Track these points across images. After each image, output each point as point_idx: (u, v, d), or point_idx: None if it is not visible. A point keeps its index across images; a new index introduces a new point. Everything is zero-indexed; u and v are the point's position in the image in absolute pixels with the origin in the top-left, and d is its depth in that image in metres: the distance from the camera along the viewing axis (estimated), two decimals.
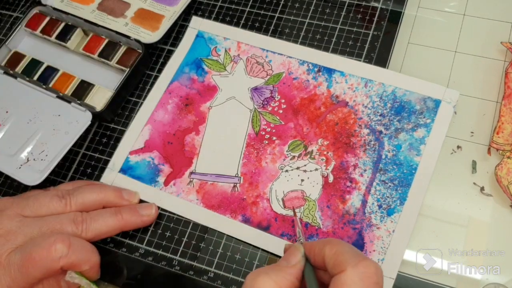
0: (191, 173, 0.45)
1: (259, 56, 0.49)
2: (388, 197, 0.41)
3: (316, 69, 0.47)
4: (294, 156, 0.44)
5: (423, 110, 0.44)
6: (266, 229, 0.42)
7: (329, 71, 0.47)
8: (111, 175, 0.46)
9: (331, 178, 0.43)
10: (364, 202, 0.41)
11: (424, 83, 0.44)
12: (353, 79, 0.46)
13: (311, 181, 0.43)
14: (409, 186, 0.41)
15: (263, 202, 0.43)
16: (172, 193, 0.44)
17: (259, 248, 0.41)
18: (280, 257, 0.41)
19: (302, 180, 0.43)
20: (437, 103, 0.44)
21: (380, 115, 0.44)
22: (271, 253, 0.41)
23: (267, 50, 0.49)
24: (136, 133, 0.48)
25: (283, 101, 0.47)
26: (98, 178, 0.47)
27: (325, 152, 0.44)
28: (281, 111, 0.46)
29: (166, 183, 0.45)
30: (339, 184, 0.42)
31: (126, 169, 0.46)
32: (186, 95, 0.49)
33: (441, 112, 0.43)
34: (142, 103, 0.49)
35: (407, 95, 0.44)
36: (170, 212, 0.44)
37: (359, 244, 0.40)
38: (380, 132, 0.44)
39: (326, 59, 0.48)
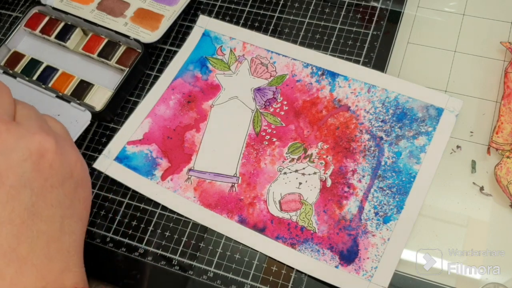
0: (190, 170, 0.45)
1: (264, 57, 0.49)
2: (385, 204, 0.41)
3: (320, 73, 0.47)
4: (293, 159, 0.44)
5: (425, 118, 0.43)
6: (261, 230, 0.42)
7: (333, 75, 0.47)
8: (106, 162, 0.46)
9: (329, 183, 0.43)
10: (361, 209, 0.41)
11: (427, 91, 0.44)
12: (357, 83, 0.46)
13: (309, 184, 0.43)
14: (406, 195, 0.41)
15: (260, 203, 0.43)
16: (169, 188, 0.44)
17: None
18: (274, 260, 0.41)
19: (300, 183, 0.43)
20: (439, 111, 0.43)
21: (381, 121, 0.44)
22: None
23: (272, 52, 0.49)
24: (135, 125, 0.48)
25: (285, 102, 0.47)
26: (98, 177, 0.47)
27: (324, 156, 0.44)
28: (282, 113, 0.46)
29: (163, 177, 0.45)
30: (337, 189, 0.42)
31: (122, 158, 0.46)
32: (189, 92, 0.49)
33: (443, 121, 0.43)
34: (143, 98, 0.49)
35: (409, 102, 0.44)
36: (169, 212, 0.44)
37: (354, 250, 0.40)
38: (381, 138, 0.44)
39: (330, 62, 0.48)
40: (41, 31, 0.53)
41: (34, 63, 0.52)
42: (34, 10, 0.55)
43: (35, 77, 0.51)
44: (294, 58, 0.49)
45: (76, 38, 0.53)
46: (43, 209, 0.33)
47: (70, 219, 0.35)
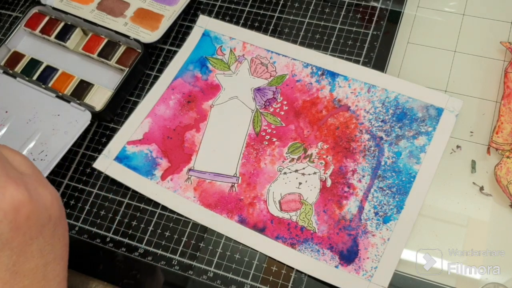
0: (190, 170, 0.45)
1: (263, 57, 0.49)
2: (385, 204, 0.41)
3: (320, 73, 0.47)
4: (293, 159, 0.44)
5: (425, 118, 0.43)
6: (261, 230, 0.42)
7: (333, 75, 0.47)
8: (106, 161, 0.46)
9: (329, 183, 0.43)
10: (360, 209, 0.41)
11: (427, 91, 0.44)
12: (356, 83, 0.46)
13: (309, 184, 0.43)
14: (406, 194, 0.41)
15: (260, 203, 0.43)
16: (169, 188, 0.44)
17: None
18: (274, 260, 0.41)
19: (300, 183, 0.43)
20: (439, 111, 0.43)
21: (381, 121, 0.44)
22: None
23: (272, 52, 0.49)
24: (135, 125, 0.48)
25: (285, 102, 0.47)
26: (98, 177, 0.47)
27: (324, 156, 0.44)
28: (282, 113, 0.46)
29: (163, 177, 0.45)
30: (337, 189, 0.42)
31: (122, 158, 0.46)
32: (189, 92, 0.49)
33: (443, 121, 0.43)
34: (143, 98, 0.49)
35: (409, 102, 0.44)
36: (169, 212, 0.44)
37: (354, 250, 0.40)
38: (381, 138, 0.43)
39: (330, 62, 0.48)
40: (41, 31, 0.53)
41: (34, 63, 0.52)
42: (34, 10, 0.55)
43: (35, 77, 0.51)
44: (294, 58, 0.49)
45: (76, 38, 0.53)
46: (24, 264, 0.31)
47: (53, 263, 0.33)
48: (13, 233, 0.30)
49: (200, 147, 0.46)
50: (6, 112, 0.49)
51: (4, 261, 0.30)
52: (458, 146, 0.43)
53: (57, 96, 0.49)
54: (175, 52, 0.52)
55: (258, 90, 0.48)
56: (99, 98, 0.49)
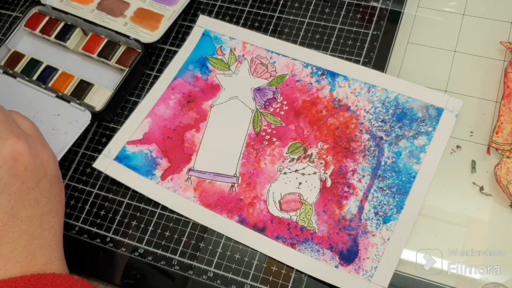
0: (190, 170, 0.45)
1: (263, 57, 0.49)
2: (385, 204, 0.41)
3: (320, 72, 0.47)
4: (293, 159, 0.44)
5: (425, 118, 0.43)
6: (261, 230, 0.42)
7: (333, 75, 0.47)
8: (106, 161, 0.46)
9: (329, 183, 0.43)
10: (360, 209, 0.41)
11: (427, 91, 0.44)
12: (356, 83, 0.46)
13: (309, 184, 0.43)
14: (406, 194, 0.41)
15: (260, 203, 0.43)
16: (169, 188, 0.44)
17: None
18: (274, 260, 0.41)
19: (300, 183, 0.43)
20: (439, 111, 0.43)
21: (381, 121, 0.44)
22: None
23: (272, 52, 0.49)
24: (135, 125, 0.48)
25: (285, 102, 0.47)
26: (98, 177, 0.47)
27: (324, 156, 0.44)
28: (282, 113, 0.46)
29: (163, 177, 0.45)
30: (337, 189, 0.42)
31: (122, 158, 0.46)
32: (189, 92, 0.49)
33: (443, 121, 0.43)
34: (143, 98, 0.49)
35: (409, 102, 0.44)
36: (169, 212, 0.44)
37: (353, 250, 0.40)
38: (381, 138, 0.43)
39: (330, 62, 0.48)
40: (41, 31, 0.53)
41: (34, 63, 0.52)
42: (34, 10, 0.55)
43: (35, 77, 0.51)
44: (294, 58, 0.49)
45: (76, 38, 0.53)
46: (22, 210, 0.35)
47: (48, 215, 0.36)
48: (12, 179, 0.34)
49: (200, 147, 0.46)
50: None
51: (3, 204, 0.34)
52: (458, 146, 0.43)
53: (57, 96, 0.49)
54: (175, 52, 0.52)
55: (258, 90, 0.48)
56: (99, 98, 0.49)
